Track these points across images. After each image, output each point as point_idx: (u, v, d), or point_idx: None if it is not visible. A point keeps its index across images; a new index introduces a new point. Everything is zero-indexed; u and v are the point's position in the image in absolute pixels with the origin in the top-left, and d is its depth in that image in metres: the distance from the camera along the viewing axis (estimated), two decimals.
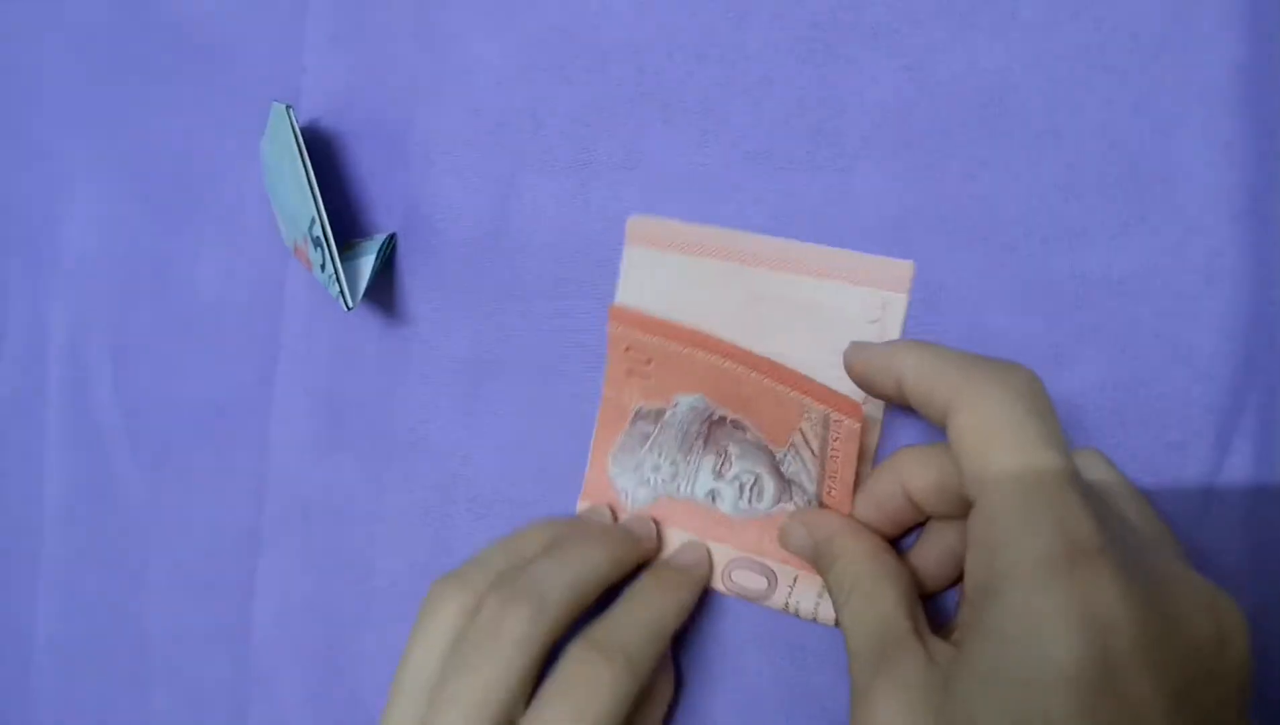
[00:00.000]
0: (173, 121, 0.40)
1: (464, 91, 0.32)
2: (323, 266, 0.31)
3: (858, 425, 0.24)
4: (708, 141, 0.29)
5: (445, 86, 0.33)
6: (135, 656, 0.40)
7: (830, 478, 0.25)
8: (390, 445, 0.34)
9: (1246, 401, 0.23)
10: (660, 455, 0.28)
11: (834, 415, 0.24)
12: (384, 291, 0.34)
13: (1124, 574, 0.17)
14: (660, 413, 0.28)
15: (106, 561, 0.41)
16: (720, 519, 0.28)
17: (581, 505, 0.30)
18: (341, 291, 0.31)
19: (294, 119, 0.32)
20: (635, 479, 0.29)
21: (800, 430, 0.26)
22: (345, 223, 0.35)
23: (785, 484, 0.27)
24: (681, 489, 0.28)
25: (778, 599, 0.27)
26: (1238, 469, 0.23)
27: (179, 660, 0.39)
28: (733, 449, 0.27)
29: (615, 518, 0.29)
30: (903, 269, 0.26)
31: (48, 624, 0.42)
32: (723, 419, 0.27)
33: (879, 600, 0.22)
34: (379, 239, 0.33)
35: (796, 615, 0.27)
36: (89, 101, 0.42)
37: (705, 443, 0.27)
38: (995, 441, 0.20)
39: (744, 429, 0.27)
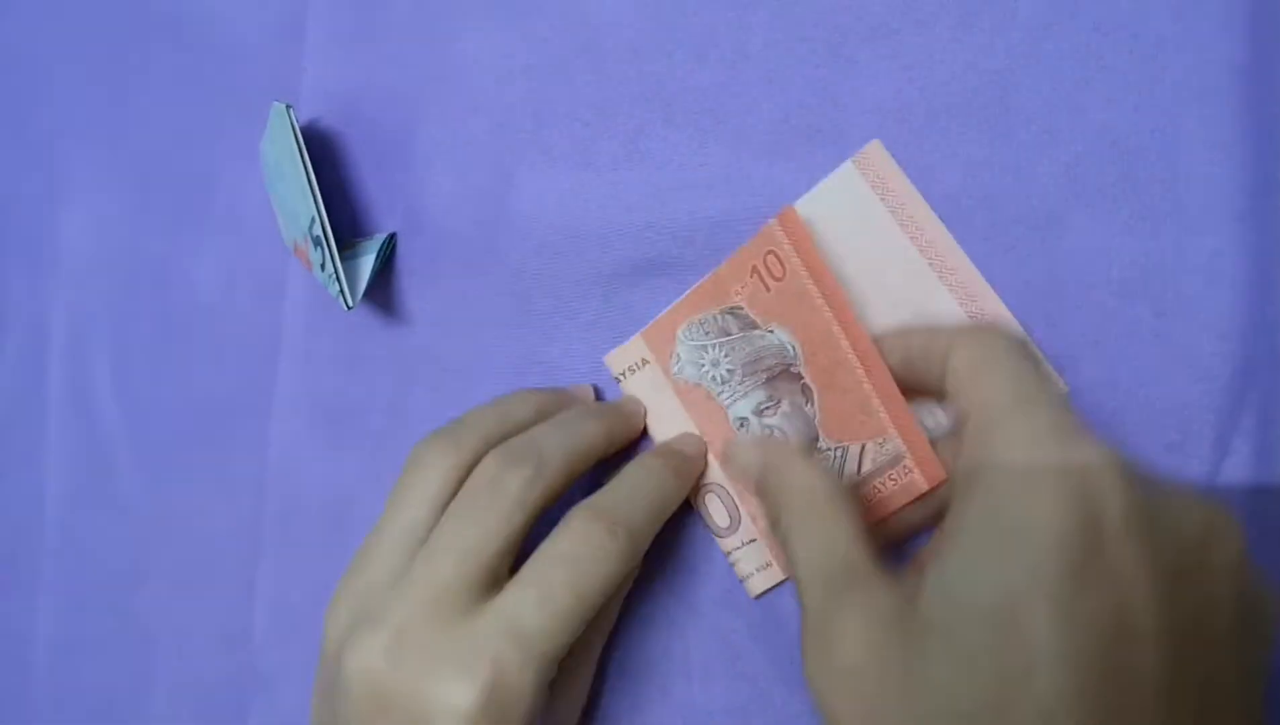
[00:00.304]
0: (173, 121, 0.40)
1: (464, 91, 0.32)
2: (323, 266, 0.31)
3: (924, 487, 0.25)
4: (708, 141, 0.28)
5: (445, 86, 0.33)
6: (135, 656, 0.40)
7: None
8: (390, 445, 0.34)
9: (1246, 401, 0.23)
10: (726, 358, 0.27)
11: (908, 462, 0.25)
12: (384, 291, 0.34)
13: (1114, 454, 0.18)
14: (752, 326, 0.27)
15: (106, 561, 0.41)
16: (729, 437, 0.28)
17: (621, 350, 0.29)
18: (341, 291, 0.31)
19: (294, 119, 0.32)
20: (691, 355, 0.28)
21: (863, 445, 0.26)
22: (345, 223, 0.35)
23: None
24: (721, 396, 0.28)
25: (728, 543, 0.28)
26: (1237, 469, 0.23)
27: (179, 660, 0.39)
28: (785, 405, 0.27)
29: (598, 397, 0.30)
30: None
31: (48, 624, 0.42)
32: (798, 376, 0.27)
33: (835, 529, 0.21)
34: (379, 239, 0.33)
35: (733, 568, 0.28)
36: (89, 101, 0.42)
37: (768, 381, 0.27)
38: (991, 370, 0.21)
39: (809, 399, 0.27)
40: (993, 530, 0.18)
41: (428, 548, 0.24)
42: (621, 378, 0.29)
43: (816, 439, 0.27)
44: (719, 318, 0.27)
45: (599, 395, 0.30)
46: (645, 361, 0.29)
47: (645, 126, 0.29)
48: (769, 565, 0.27)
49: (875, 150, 0.26)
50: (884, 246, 0.26)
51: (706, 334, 0.28)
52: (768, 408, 0.27)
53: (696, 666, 0.28)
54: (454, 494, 0.25)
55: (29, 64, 0.45)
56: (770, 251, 0.26)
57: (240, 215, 0.38)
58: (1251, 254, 0.23)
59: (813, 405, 0.27)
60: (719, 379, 0.28)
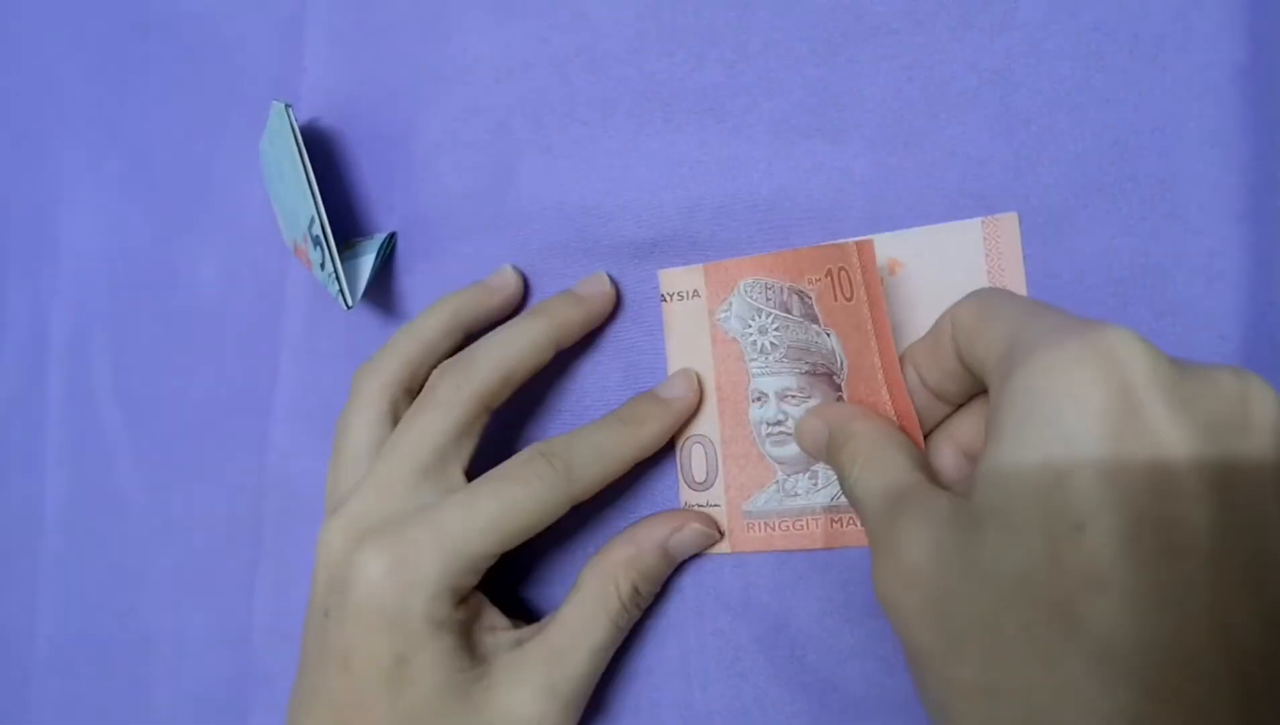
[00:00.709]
0: (173, 121, 0.40)
1: (464, 90, 0.32)
2: (322, 265, 0.31)
3: None
4: (708, 141, 0.28)
5: (445, 86, 0.33)
6: (136, 656, 0.40)
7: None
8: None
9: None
10: (776, 331, 0.27)
11: None
12: (384, 290, 0.34)
13: (1133, 331, 0.18)
14: (814, 319, 0.26)
15: (107, 561, 0.41)
16: (739, 403, 0.28)
17: (677, 272, 0.29)
18: (341, 290, 0.31)
19: (293, 118, 0.32)
20: (743, 311, 0.28)
21: None
22: (345, 222, 0.35)
23: (810, 461, 0.27)
24: (752, 362, 0.27)
25: (694, 498, 0.28)
26: None
27: (179, 660, 0.39)
28: (814, 403, 0.27)
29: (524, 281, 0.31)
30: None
31: (48, 624, 0.42)
32: (838, 387, 0.26)
33: (888, 462, 0.22)
34: (379, 238, 0.33)
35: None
36: (89, 101, 0.42)
37: (806, 374, 0.27)
38: (995, 307, 0.21)
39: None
40: (1031, 416, 0.18)
41: (376, 461, 0.27)
42: (667, 299, 0.29)
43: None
44: (786, 292, 0.27)
45: (527, 287, 0.31)
46: (696, 293, 0.28)
47: (646, 126, 0.29)
48: (722, 537, 0.28)
49: (1009, 223, 0.25)
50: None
51: (768, 300, 0.27)
52: (793, 396, 0.27)
53: (695, 669, 0.28)
54: (389, 409, 0.28)
55: (29, 64, 0.45)
56: (842, 268, 0.25)
57: (240, 215, 0.38)
58: (1251, 254, 0.23)
59: None
60: (759, 347, 0.27)
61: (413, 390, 0.29)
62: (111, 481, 0.41)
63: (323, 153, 0.35)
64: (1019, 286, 0.25)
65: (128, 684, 0.40)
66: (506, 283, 0.30)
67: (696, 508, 0.28)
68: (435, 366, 0.28)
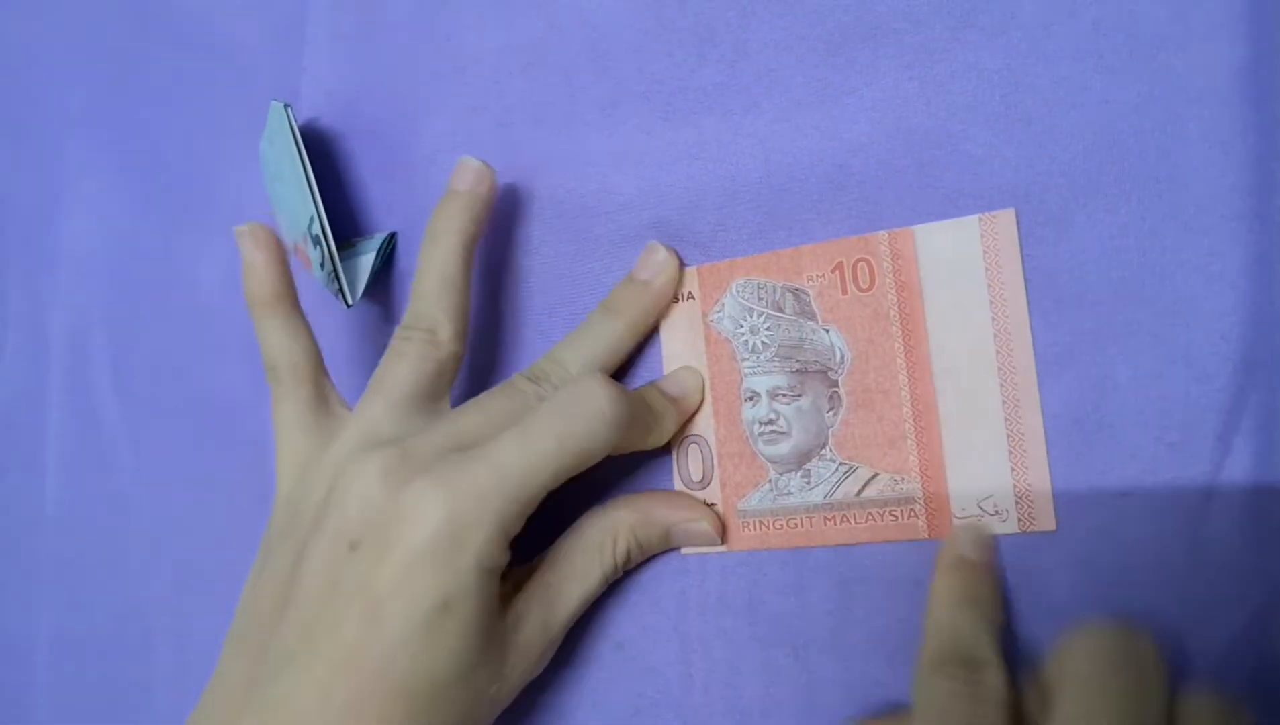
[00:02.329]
0: (173, 121, 0.40)
1: (464, 90, 0.32)
2: (322, 265, 0.31)
3: (925, 536, 0.25)
4: (707, 140, 0.29)
5: (445, 85, 0.33)
6: (136, 656, 0.40)
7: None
8: None
9: (1246, 401, 0.23)
10: (767, 330, 0.27)
11: (918, 508, 0.25)
12: (384, 290, 0.34)
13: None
14: (810, 316, 0.26)
15: (107, 561, 0.41)
16: (733, 403, 0.28)
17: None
18: (341, 290, 0.31)
19: (292, 117, 0.32)
20: (735, 311, 0.28)
21: (875, 473, 0.26)
22: (345, 222, 0.35)
23: (802, 460, 0.27)
24: (744, 362, 0.27)
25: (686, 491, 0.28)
26: (1238, 469, 0.23)
27: (180, 660, 0.39)
28: (805, 402, 0.27)
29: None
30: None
31: (48, 624, 0.42)
32: (833, 382, 0.26)
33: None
34: (379, 237, 0.33)
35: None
36: (89, 101, 0.42)
37: (798, 372, 0.27)
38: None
39: (834, 408, 0.26)
40: None
41: (457, 417, 0.26)
42: None
43: (825, 446, 0.27)
44: (778, 290, 0.27)
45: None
46: (691, 295, 0.28)
47: (646, 125, 0.29)
48: (723, 541, 0.28)
49: (1006, 219, 0.25)
50: (963, 311, 0.25)
51: (760, 300, 0.27)
52: (784, 394, 0.27)
53: (697, 669, 0.28)
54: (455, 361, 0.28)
55: (29, 64, 0.45)
56: (864, 259, 0.26)
57: (240, 215, 0.38)
58: (1251, 254, 0.23)
59: (835, 415, 0.27)
60: (750, 346, 0.27)
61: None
62: (111, 481, 0.41)
63: (323, 153, 0.35)
64: (1017, 283, 0.25)
65: (128, 684, 0.40)
66: (476, 174, 0.29)
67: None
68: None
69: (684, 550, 0.28)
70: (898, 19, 0.26)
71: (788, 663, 0.27)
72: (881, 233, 0.26)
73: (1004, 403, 0.25)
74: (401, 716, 0.23)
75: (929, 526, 0.25)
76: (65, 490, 0.42)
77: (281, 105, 0.32)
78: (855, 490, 0.26)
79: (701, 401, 0.28)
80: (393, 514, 0.23)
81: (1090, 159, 0.24)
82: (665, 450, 0.29)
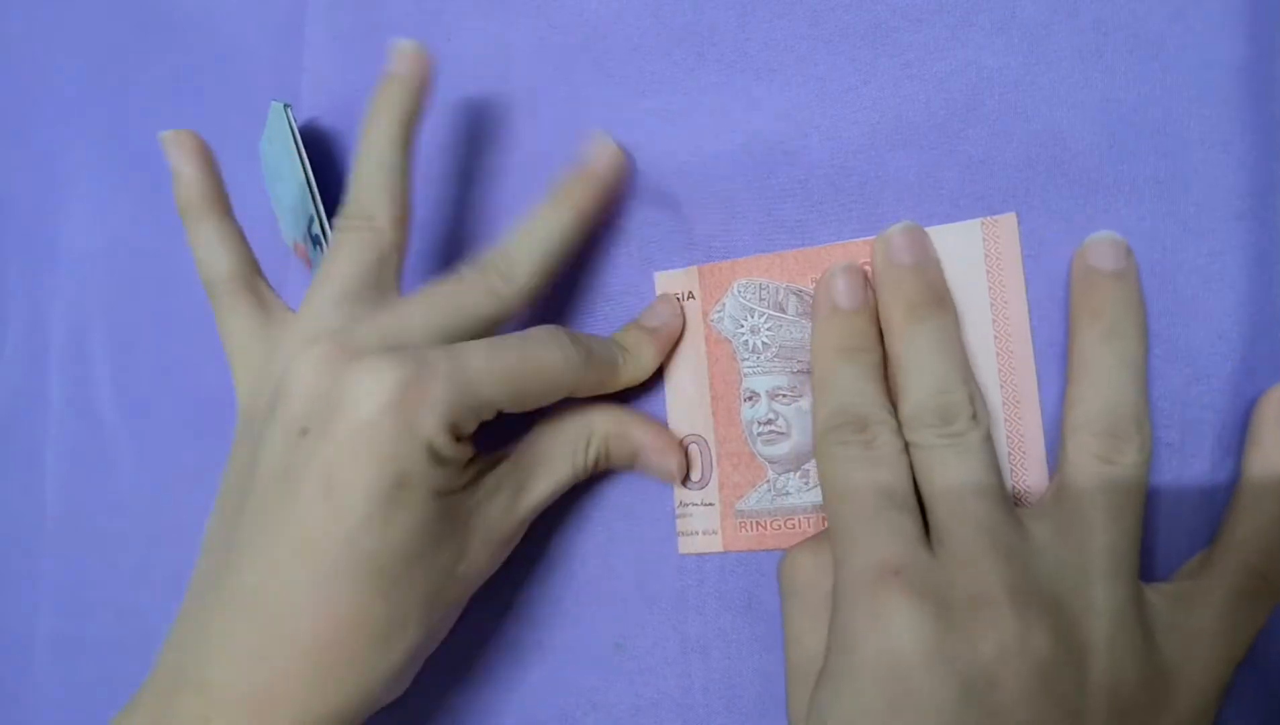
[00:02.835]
0: (173, 121, 0.40)
1: (463, 90, 0.32)
2: None
3: None
4: (705, 140, 0.29)
5: (445, 85, 0.33)
6: (136, 656, 0.40)
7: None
8: None
9: (1246, 401, 0.23)
10: (768, 331, 0.27)
11: None
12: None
13: (915, 595, 0.21)
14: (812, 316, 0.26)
15: (107, 560, 0.41)
16: (732, 403, 0.28)
17: (673, 275, 0.29)
18: None
19: (292, 117, 0.32)
20: (736, 311, 0.28)
21: None
22: None
23: (800, 460, 0.27)
24: (744, 362, 0.27)
25: (688, 496, 0.28)
26: (1237, 469, 0.23)
27: None
28: (805, 402, 0.27)
29: None
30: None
31: (48, 623, 0.42)
32: None
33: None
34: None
35: (675, 518, 0.29)
36: (89, 101, 0.42)
37: (799, 372, 0.27)
38: None
39: None
40: (831, 658, 0.22)
41: (401, 307, 0.26)
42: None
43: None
44: (780, 291, 0.27)
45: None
46: (692, 295, 0.28)
47: (645, 125, 0.29)
48: (714, 533, 0.28)
49: (1008, 223, 0.25)
50: (964, 314, 0.25)
51: (761, 301, 0.27)
52: (784, 394, 0.27)
53: (696, 669, 0.28)
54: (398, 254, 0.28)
55: (29, 64, 0.45)
56: (868, 263, 0.26)
57: (240, 215, 0.38)
58: (1251, 254, 0.23)
59: None
60: (750, 346, 0.27)
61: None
62: (111, 481, 0.41)
63: (323, 153, 0.35)
64: (1018, 287, 0.25)
65: (128, 684, 0.40)
66: (414, 58, 0.28)
67: (691, 506, 0.28)
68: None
69: (680, 544, 0.28)
70: (897, 18, 0.26)
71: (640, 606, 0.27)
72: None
73: (1004, 403, 0.25)
74: (369, 596, 0.23)
75: None
76: (65, 490, 0.42)
77: (281, 105, 0.32)
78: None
79: (683, 329, 0.28)
80: (339, 395, 0.23)
81: (1090, 159, 0.24)
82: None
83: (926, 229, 0.26)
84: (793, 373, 0.27)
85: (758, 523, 0.27)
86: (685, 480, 0.28)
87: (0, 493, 0.44)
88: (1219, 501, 0.23)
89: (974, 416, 0.23)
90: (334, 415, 0.23)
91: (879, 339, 0.25)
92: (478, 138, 0.32)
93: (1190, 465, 0.23)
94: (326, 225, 0.31)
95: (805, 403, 0.27)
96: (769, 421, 0.27)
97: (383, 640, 0.23)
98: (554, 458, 0.27)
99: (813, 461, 0.27)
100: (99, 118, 0.42)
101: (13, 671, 0.43)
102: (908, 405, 0.23)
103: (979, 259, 0.25)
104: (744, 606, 0.28)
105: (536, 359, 0.25)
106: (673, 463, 0.28)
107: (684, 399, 0.29)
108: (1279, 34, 0.23)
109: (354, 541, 0.22)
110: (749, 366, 0.27)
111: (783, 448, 0.27)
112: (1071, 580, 0.21)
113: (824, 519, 0.26)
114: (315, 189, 0.31)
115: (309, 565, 0.23)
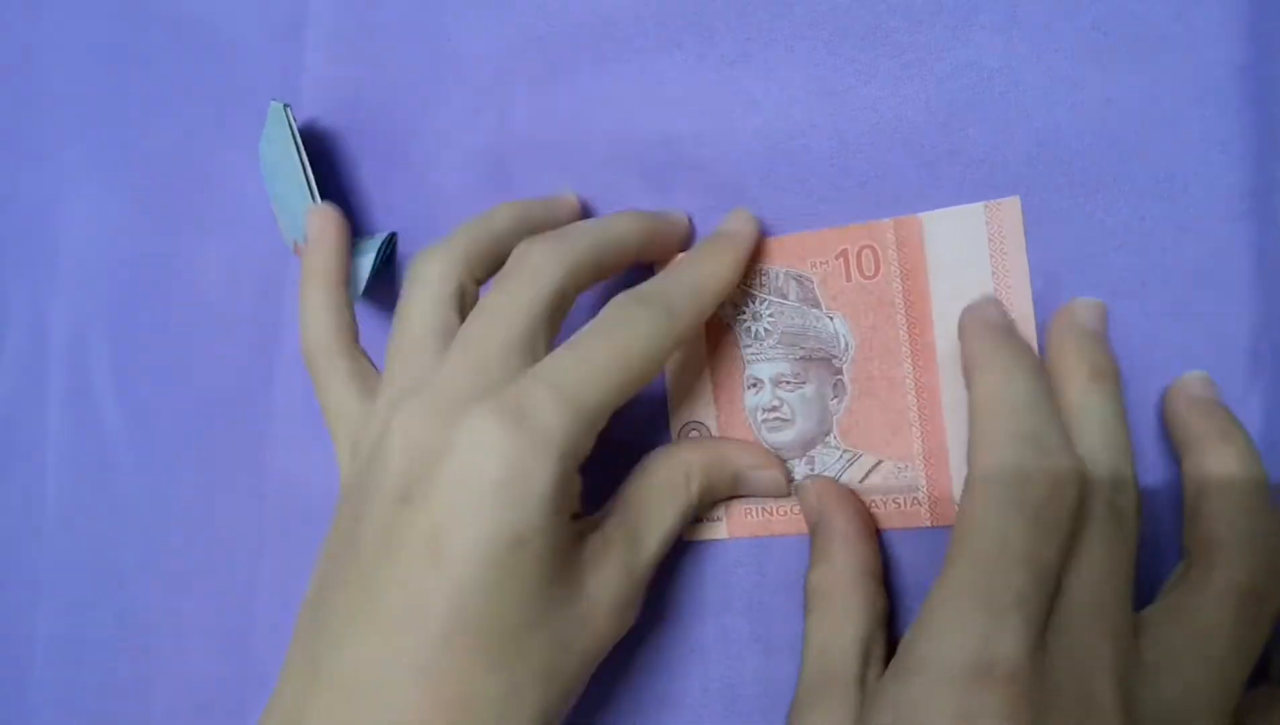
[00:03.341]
0: (173, 121, 0.40)
1: (464, 90, 0.32)
2: None
3: (928, 523, 0.25)
4: (704, 139, 0.29)
5: (445, 85, 0.33)
6: (135, 656, 0.40)
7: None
8: None
9: (1247, 402, 0.23)
10: (769, 317, 0.27)
11: (921, 495, 0.25)
12: (385, 290, 0.34)
13: (1025, 702, 0.18)
14: (814, 303, 0.26)
15: (107, 561, 0.41)
16: (734, 391, 0.27)
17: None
18: None
19: (291, 117, 0.32)
20: (736, 297, 0.27)
21: (879, 461, 0.25)
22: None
23: (806, 447, 0.27)
24: (746, 349, 0.27)
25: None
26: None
27: (179, 660, 0.39)
28: (809, 389, 0.26)
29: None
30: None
31: (48, 624, 0.42)
32: (837, 370, 0.26)
33: (841, 632, 0.23)
34: (379, 238, 0.33)
35: None
36: (89, 101, 0.42)
37: (801, 360, 0.26)
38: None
39: (838, 396, 0.26)
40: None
41: (463, 331, 0.24)
42: None
43: (828, 433, 0.26)
44: (780, 276, 0.27)
45: (588, 213, 0.30)
46: None
47: (644, 124, 0.29)
48: (719, 520, 0.28)
49: (1012, 206, 0.25)
50: (967, 299, 0.25)
51: (762, 286, 0.27)
52: (788, 382, 0.27)
53: (695, 667, 0.28)
54: (456, 292, 0.25)
55: (29, 64, 0.45)
56: (869, 246, 0.26)
57: (240, 215, 0.38)
58: (1251, 254, 0.23)
59: (839, 402, 0.26)
60: (753, 333, 0.27)
61: (480, 281, 0.26)
62: (111, 481, 0.41)
63: (323, 153, 0.35)
64: (1021, 271, 0.25)
65: (128, 684, 0.40)
66: (571, 201, 0.29)
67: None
68: (502, 258, 0.25)
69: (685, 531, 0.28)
70: (897, 18, 0.26)
71: (788, 663, 0.27)
72: (887, 220, 0.26)
73: None
74: (481, 670, 0.20)
75: (931, 514, 0.25)
76: (65, 490, 0.42)
77: (281, 105, 0.32)
78: (859, 477, 0.26)
79: (754, 237, 0.27)
80: (443, 453, 0.21)
81: (1090, 159, 0.24)
82: (666, 436, 0.28)
83: (930, 213, 0.25)
84: (796, 359, 0.27)
85: (764, 509, 0.27)
86: None
87: (0, 493, 0.44)
88: None
89: (1139, 496, 0.21)
90: (440, 476, 0.21)
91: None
92: (478, 138, 0.32)
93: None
94: None
95: (809, 389, 0.27)
96: (774, 408, 0.27)
97: (494, 722, 0.21)
98: (658, 504, 0.25)
99: (818, 448, 0.27)
100: (99, 117, 0.42)
101: (13, 671, 0.43)
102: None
103: (982, 242, 0.25)
104: (745, 606, 0.28)
105: (624, 341, 0.23)
106: (777, 475, 0.27)
107: (685, 386, 0.28)
108: (1279, 34, 0.23)
109: (463, 608, 0.20)
110: (751, 353, 0.27)
111: (788, 435, 0.27)
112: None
113: None
114: (315, 189, 0.31)
115: (413, 638, 0.20)
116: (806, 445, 0.27)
